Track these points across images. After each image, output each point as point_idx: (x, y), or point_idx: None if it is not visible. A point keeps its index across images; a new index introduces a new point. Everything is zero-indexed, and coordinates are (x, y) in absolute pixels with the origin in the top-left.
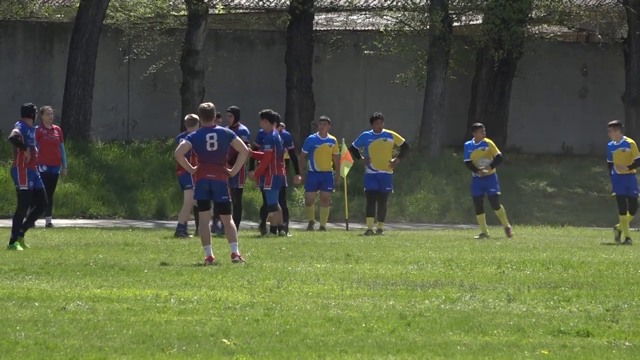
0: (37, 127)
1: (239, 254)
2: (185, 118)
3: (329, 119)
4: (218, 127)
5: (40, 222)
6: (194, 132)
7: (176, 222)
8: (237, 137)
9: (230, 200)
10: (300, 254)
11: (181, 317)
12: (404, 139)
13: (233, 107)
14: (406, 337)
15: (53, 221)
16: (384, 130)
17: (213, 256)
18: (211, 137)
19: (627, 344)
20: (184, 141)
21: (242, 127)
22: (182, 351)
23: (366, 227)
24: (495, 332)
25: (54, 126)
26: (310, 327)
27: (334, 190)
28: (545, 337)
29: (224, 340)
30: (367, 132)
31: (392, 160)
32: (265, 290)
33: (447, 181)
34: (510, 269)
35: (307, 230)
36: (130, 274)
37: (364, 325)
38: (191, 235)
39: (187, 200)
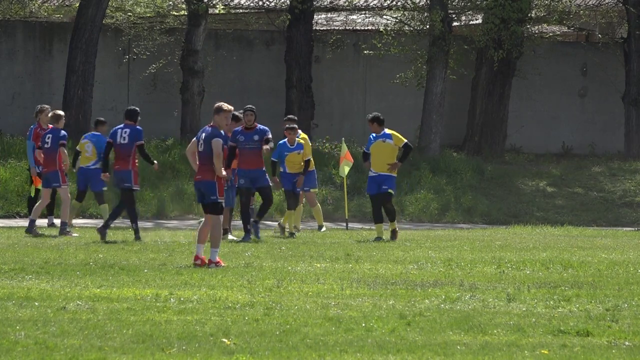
0: (33, 127)
1: (215, 261)
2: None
3: (295, 127)
4: (212, 126)
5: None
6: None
7: (174, 222)
8: (217, 138)
9: (220, 200)
10: (300, 253)
11: (181, 317)
12: (405, 140)
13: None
14: (406, 336)
15: (55, 220)
16: (385, 130)
17: (203, 256)
18: (201, 138)
19: (627, 343)
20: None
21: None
22: (182, 351)
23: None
24: (495, 331)
25: (50, 126)
26: (310, 326)
27: (314, 190)
28: (545, 336)
29: (224, 339)
30: (372, 134)
31: (392, 163)
32: (265, 290)
33: (447, 181)
34: (510, 268)
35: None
36: (130, 273)
37: (364, 325)
38: (75, 235)
39: (64, 198)
